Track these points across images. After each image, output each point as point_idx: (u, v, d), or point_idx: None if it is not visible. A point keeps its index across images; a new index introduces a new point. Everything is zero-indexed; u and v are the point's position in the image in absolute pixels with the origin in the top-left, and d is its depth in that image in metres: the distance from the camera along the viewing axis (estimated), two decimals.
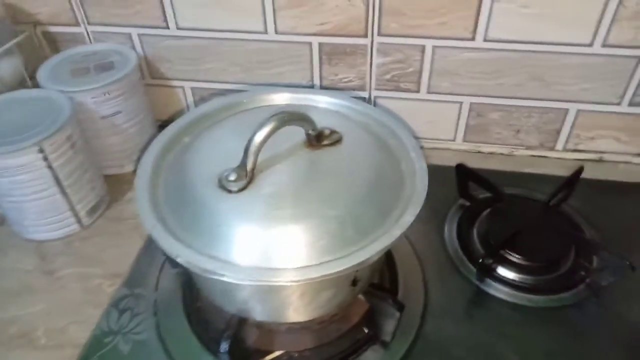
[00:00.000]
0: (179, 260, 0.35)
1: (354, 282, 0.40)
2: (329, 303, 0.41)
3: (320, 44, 0.65)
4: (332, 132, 0.43)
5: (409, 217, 0.37)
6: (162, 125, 0.78)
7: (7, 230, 0.63)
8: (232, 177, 0.38)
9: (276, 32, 0.65)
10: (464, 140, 0.73)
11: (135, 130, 0.69)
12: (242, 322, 0.42)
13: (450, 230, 0.59)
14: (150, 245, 0.59)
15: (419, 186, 0.40)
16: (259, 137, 0.37)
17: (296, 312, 0.40)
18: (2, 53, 0.63)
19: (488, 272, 0.53)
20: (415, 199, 0.38)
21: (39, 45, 0.72)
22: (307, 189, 0.39)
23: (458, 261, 0.56)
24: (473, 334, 0.49)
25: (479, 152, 0.74)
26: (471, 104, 0.68)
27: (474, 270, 0.54)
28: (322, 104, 0.48)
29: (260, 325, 0.47)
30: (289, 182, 0.39)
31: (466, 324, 0.50)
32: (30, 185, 0.56)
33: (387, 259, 0.54)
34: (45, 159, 0.55)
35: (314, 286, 0.38)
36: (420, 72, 0.66)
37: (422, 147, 0.43)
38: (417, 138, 0.72)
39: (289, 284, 0.33)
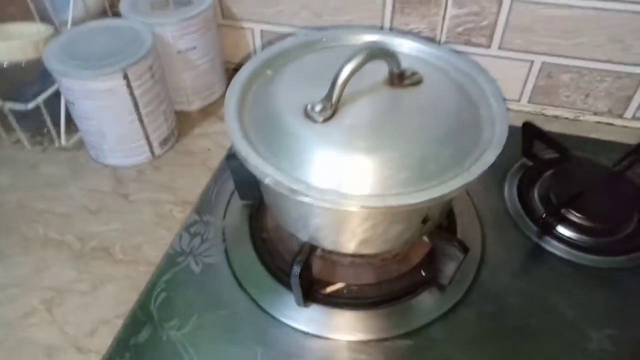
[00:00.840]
0: (266, 180, 0.37)
1: (425, 220, 0.41)
2: (397, 238, 0.42)
3: None
4: (414, 72, 0.44)
5: (490, 157, 0.37)
6: (233, 68, 0.80)
7: (85, 155, 0.67)
8: (318, 108, 0.40)
9: None
10: (529, 102, 0.72)
11: (206, 68, 0.71)
12: (313, 249, 0.44)
13: (510, 189, 0.60)
14: (219, 177, 0.62)
15: (499, 129, 0.40)
16: (347, 69, 0.38)
17: (364, 244, 0.42)
18: None
19: (549, 230, 0.54)
20: (496, 142, 0.39)
21: None
22: (389, 124, 0.40)
23: (517, 218, 0.56)
24: (529, 286, 0.50)
25: (542, 114, 0.73)
26: (543, 63, 0.67)
27: (533, 227, 0.55)
28: (403, 48, 0.48)
29: (325, 257, 0.49)
30: (372, 115, 0.41)
31: (522, 276, 0.51)
32: (112, 111, 0.59)
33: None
34: (129, 85, 0.58)
35: (388, 218, 0.39)
36: (494, 27, 0.65)
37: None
38: None
39: (371, 209, 0.35)
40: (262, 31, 0.76)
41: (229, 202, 0.59)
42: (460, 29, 0.66)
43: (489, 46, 0.67)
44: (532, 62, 0.67)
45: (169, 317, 0.47)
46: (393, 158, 0.37)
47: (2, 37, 0.62)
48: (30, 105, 0.61)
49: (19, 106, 0.62)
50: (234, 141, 0.39)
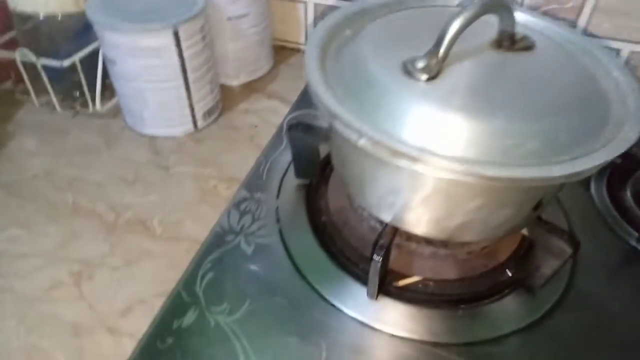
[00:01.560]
0: (361, 142, 0.31)
1: (537, 206, 0.35)
2: (501, 226, 0.36)
3: None
4: (525, 36, 0.38)
5: (632, 134, 0.31)
6: (281, 45, 0.74)
7: (120, 122, 0.61)
8: (420, 65, 0.34)
9: None
10: None
11: (255, 40, 0.65)
12: (395, 233, 0.38)
13: (598, 187, 0.53)
14: (270, 155, 0.56)
15: (634, 104, 0.34)
16: (457, 22, 0.32)
17: (462, 229, 0.36)
18: None
19: None
20: (636, 117, 0.33)
21: None
22: (507, 88, 0.34)
23: (610, 219, 0.50)
24: (630, 293, 0.44)
25: None
26: (631, 52, 0.61)
27: (630, 229, 0.48)
28: None
29: (402, 245, 0.43)
30: (484, 78, 0.34)
31: (621, 281, 0.45)
32: (158, 72, 0.53)
33: None
34: (178, 45, 0.52)
35: (502, 197, 0.33)
36: (581, 9, 0.59)
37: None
38: None
39: (495, 179, 0.29)
40: (315, 4, 0.70)
41: (282, 181, 0.52)
42: (543, 9, 0.60)
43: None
44: (619, 50, 0.61)
45: (218, 300, 0.41)
46: (518, 125, 0.31)
47: None
48: (67, 62, 0.56)
49: (53, 63, 0.56)
50: (322, 97, 0.33)
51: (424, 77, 0.33)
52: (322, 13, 0.70)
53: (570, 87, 0.35)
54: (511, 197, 0.33)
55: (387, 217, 0.38)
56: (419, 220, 0.36)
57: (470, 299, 0.41)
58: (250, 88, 0.69)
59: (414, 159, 0.29)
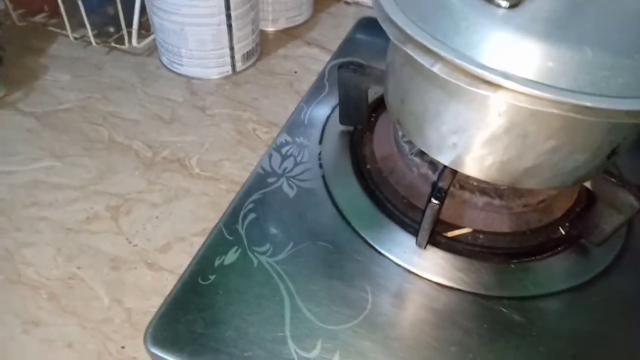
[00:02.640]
0: (436, 67, 0.29)
1: (612, 153, 0.33)
2: (571, 173, 0.34)
3: None
4: None
5: None
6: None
7: (156, 61, 0.59)
8: None
9: None
10: None
11: None
12: (455, 177, 0.36)
13: None
14: (312, 101, 0.53)
15: None
16: None
17: (529, 174, 0.34)
18: None
19: None
20: None
21: None
22: (598, 20, 0.31)
23: None
24: None
25: None
26: None
27: None
28: None
29: (455, 194, 0.41)
30: (573, 8, 0.32)
31: None
32: (201, 6, 0.51)
33: None
34: None
35: (580, 138, 0.31)
36: None
37: None
38: None
39: (590, 109, 0.26)
40: None
41: (324, 127, 0.50)
42: None
43: None
44: None
45: (260, 241, 0.40)
46: (609, 57, 0.28)
47: None
48: None
49: None
50: (391, 15, 0.31)
51: (505, 3, 0.31)
52: None
53: None
54: (590, 138, 0.31)
55: (447, 159, 0.35)
56: (483, 162, 0.34)
57: (521, 254, 0.39)
58: (290, 34, 0.66)
59: (496, 86, 0.27)
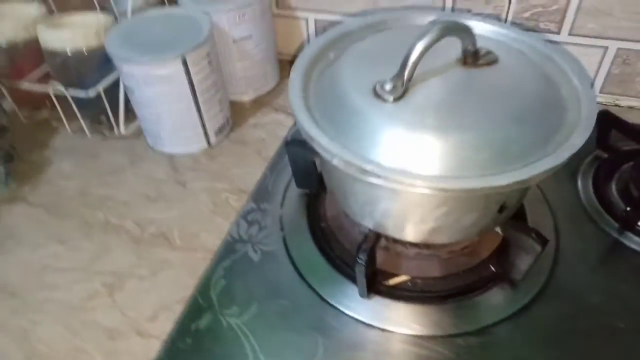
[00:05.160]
0: (335, 161, 0.35)
1: (502, 209, 0.39)
2: (470, 228, 0.40)
3: None
4: (488, 52, 0.41)
5: (577, 141, 0.34)
6: (287, 59, 0.79)
7: (143, 143, 0.68)
8: (388, 87, 0.38)
9: None
10: (601, 91, 0.67)
11: (260, 58, 0.70)
12: (378, 238, 0.42)
13: (584, 182, 0.56)
14: (275, 167, 0.61)
15: (586, 111, 0.37)
16: (419, 46, 0.36)
17: (435, 232, 0.40)
18: None
19: (630, 225, 0.50)
20: (584, 124, 0.36)
21: None
22: (464, 103, 0.37)
23: (594, 212, 0.52)
24: (609, 284, 0.46)
25: (616, 105, 0.68)
26: (618, 49, 0.62)
27: (612, 222, 0.51)
28: (475, 29, 0.45)
29: (389, 247, 0.47)
30: (446, 95, 0.38)
31: (602, 273, 0.47)
32: (171, 97, 0.59)
33: None
34: (187, 72, 0.57)
35: (464, 203, 0.37)
36: (565, 11, 0.61)
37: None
38: None
39: (449, 191, 0.33)
40: (316, 20, 0.75)
41: (285, 190, 0.58)
42: (527, 14, 0.63)
43: (558, 32, 0.63)
44: (607, 48, 0.62)
45: (229, 304, 0.47)
46: (471, 138, 0.35)
47: (66, 27, 0.64)
48: (92, 92, 0.62)
49: (80, 93, 0.63)
50: (300, 121, 0.38)
51: (391, 98, 0.37)
52: (323, 27, 0.75)
53: (529, 97, 0.38)
54: (472, 203, 0.37)
55: (369, 224, 0.42)
56: (396, 226, 0.40)
57: (455, 294, 0.45)
58: (259, 102, 0.74)
59: (378, 176, 0.34)
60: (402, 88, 0.37)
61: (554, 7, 0.61)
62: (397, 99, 0.37)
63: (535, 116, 0.36)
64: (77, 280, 0.52)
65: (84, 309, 0.49)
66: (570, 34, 0.63)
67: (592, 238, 0.50)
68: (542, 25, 0.63)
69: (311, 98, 0.41)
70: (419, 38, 0.36)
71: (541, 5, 0.62)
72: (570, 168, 0.57)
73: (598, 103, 0.66)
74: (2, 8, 0.67)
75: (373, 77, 0.39)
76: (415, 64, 0.37)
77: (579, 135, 0.35)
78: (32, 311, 0.49)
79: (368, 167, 0.34)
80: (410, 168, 0.34)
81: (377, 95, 0.38)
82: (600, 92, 0.67)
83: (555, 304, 0.45)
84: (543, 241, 0.40)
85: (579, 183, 0.55)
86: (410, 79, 0.37)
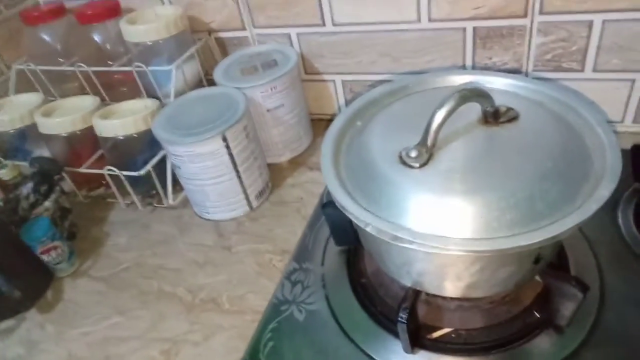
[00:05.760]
0: (368, 229, 0.38)
1: (537, 260, 0.39)
2: (507, 281, 0.41)
3: (474, 28, 0.65)
4: (508, 109, 0.43)
5: (605, 192, 0.35)
6: (319, 119, 0.83)
7: (190, 211, 0.72)
8: (413, 154, 0.40)
9: (429, 19, 0.66)
10: (634, 121, 0.67)
11: (293, 123, 0.75)
12: (417, 294, 0.44)
13: (625, 217, 0.55)
14: (314, 225, 0.64)
15: (610, 160, 0.38)
16: (440, 114, 0.39)
17: (471, 288, 0.41)
18: (186, 58, 0.73)
19: None
20: (610, 173, 0.36)
21: (211, 49, 0.81)
22: (488, 164, 0.39)
23: (638, 248, 0.51)
24: None
25: None
26: None
27: None
28: (494, 85, 0.48)
29: (430, 301, 0.48)
30: (470, 157, 0.40)
31: None
32: (213, 170, 0.64)
33: None
34: (227, 146, 0.62)
35: (497, 261, 0.38)
36: (585, 50, 0.62)
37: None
38: None
39: (478, 253, 0.34)
40: (343, 81, 0.79)
41: (325, 248, 0.60)
42: (548, 56, 0.64)
43: (582, 70, 0.64)
44: (634, 80, 0.63)
45: None
46: (497, 199, 0.36)
47: (117, 115, 0.71)
48: (142, 172, 0.68)
49: (133, 173, 0.68)
50: (334, 193, 0.41)
51: (417, 165, 0.40)
52: (350, 88, 0.79)
53: (553, 151, 0.39)
54: (506, 259, 0.38)
55: (407, 282, 0.43)
56: (433, 283, 0.41)
57: (500, 344, 0.45)
58: (295, 162, 0.78)
59: (410, 242, 0.35)
60: (427, 154, 0.40)
61: (574, 48, 0.63)
62: (423, 165, 0.40)
63: (560, 170, 0.38)
64: (137, 348, 0.55)
65: None
66: (594, 70, 0.64)
67: (638, 275, 0.49)
68: (564, 65, 0.65)
69: (342, 169, 0.44)
70: (439, 107, 0.39)
71: (561, 47, 0.63)
72: (609, 203, 0.57)
73: (632, 133, 0.67)
74: (62, 103, 0.75)
75: (399, 144, 0.42)
76: (437, 131, 0.39)
77: (605, 186, 0.36)
78: None
79: (399, 234, 0.36)
80: (441, 231, 0.36)
81: (403, 162, 0.40)
82: (634, 122, 0.67)
83: (605, 348, 0.44)
84: (584, 288, 0.40)
85: (620, 219, 0.55)
86: (433, 145, 0.40)
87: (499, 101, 0.43)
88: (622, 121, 0.67)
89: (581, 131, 0.42)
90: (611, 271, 0.50)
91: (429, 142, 0.39)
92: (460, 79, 0.49)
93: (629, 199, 0.57)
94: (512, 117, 0.43)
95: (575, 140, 0.41)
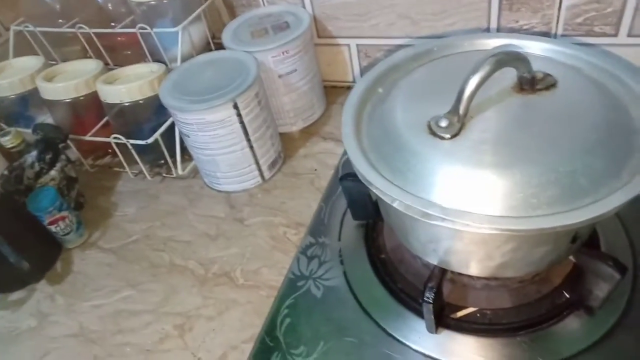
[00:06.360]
0: (395, 204, 0.35)
1: (574, 239, 0.37)
2: (541, 261, 0.38)
3: None
4: (546, 75, 0.40)
5: None
6: (332, 85, 0.80)
7: (200, 182, 0.70)
8: (444, 124, 0.37)
9: None
10: None
11: (306, 89, 0.71)
12: (444, 273, 0.42)
13: None
14: (329, 198, 0.61)
15: None
16: (474, 80, 0.35)
17: (503, 268, 0.39)
18: (192, 20, 0.69)
19: None
20: None
21: (218, 10, 0.76)
22: (526, 136, 0.36)
23: None
24: None
25: None
26: None
27: None
28: (527, 50, 0.44)
29: (455, 280, 0.46)
30: (505, 128, 0.37)
31: None
32: (224, 140, 0.61)
33: None
34: (239, 114, 0.59)
35: (533, 240, 0.36)
36: (621, 12, 0.58)
37: None
38: None
39: (516, 232, 0.32)
40: (358, 46, 0.75)
41: (342, 222, 0.58)
42: (580, 19, 0.60)
43: (615, 34, 0.60)
44: None
45: (296, 344, 0.47)
46: (537, 174, 0.33)
47: (122, 80, 0.67)
48: (150, 140, 0.65)
49: (140, 142, 0.66)
50: (357, 166, 0.38)
51: (447, 135, 0.37)
52: (365, 52, 0.75)
53: (595, 122, 0.36)
54: (543, 239, 0.35)
55: (433, 260, 0.41)
56: (461, 262, 0.39)
57: (527, 325, 0.44)
58: (308, 132, 0.75)
59: (441, 219, 0.33)
60: (459, 124, 0.37)
61: (609, 10, 0.58)
62: (454, 135, 0.37)
63: (604, 143, 0.35)
64: (149, 322, 0.54)
65: (157, 351, 0.51)
66: (629, 35, 0.60)
67: None
68: (597, 29, 0.61)
69: (364, 139, 0.41)
70: (473, 72, 0.35)
71: (594, 10, 0.59)
72: None
73: None
74: (64, 67, 0.71)
75: (426, 113, 0.39)
76: (471, 98, 0.36)
77: None
78: (109, 355, 0.52)
79: (430, 211, 0.33)
80: (472, 208, 0.33)
81: (432, 133, 0.37)
82: None
83: (637, 330, 0.42)
84: (622, 269, 0.38)
85: None
86: (466, 114, 0.37)
87: (535, 67, 0.40)
88: None
89: (626, 101, 0.39)
90: None
91: (461, 110, 0.36)
92: (490, 43, 0.46)
93: None
94: (549, 84, 0.40)
95: (619, 111, 0.38)
